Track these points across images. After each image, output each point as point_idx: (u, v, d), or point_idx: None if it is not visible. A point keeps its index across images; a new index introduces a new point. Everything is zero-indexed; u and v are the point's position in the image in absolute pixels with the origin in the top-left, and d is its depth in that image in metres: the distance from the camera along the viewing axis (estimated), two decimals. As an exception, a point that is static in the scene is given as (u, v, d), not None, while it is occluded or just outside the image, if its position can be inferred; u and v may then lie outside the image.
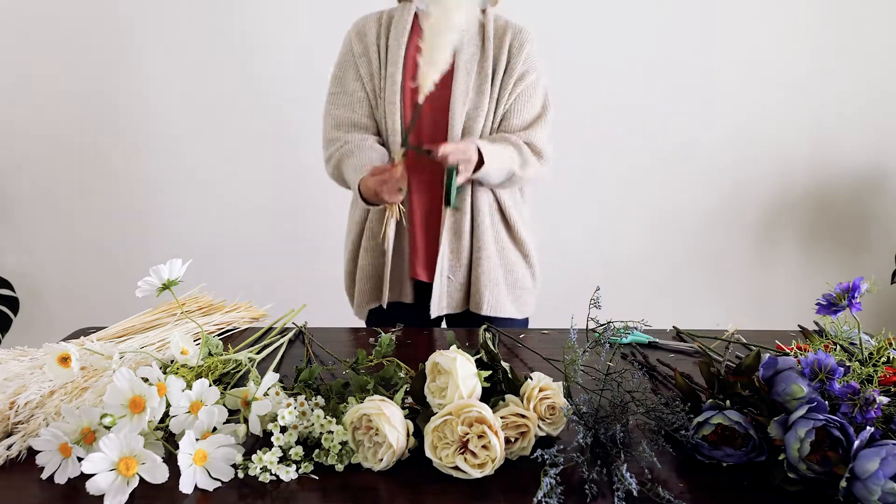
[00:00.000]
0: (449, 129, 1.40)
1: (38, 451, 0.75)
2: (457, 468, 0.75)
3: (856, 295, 0.84)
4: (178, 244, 2.48)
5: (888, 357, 0.82)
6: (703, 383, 0.89)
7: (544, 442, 0.82)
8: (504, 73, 1.44)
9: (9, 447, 0.81)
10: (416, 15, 1.46)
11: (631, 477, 0.69)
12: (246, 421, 0.81)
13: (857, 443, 0.69)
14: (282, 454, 0.77)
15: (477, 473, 0.74)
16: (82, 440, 0.74)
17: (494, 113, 1.44)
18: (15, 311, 2.40)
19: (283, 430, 0.79)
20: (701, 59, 2.42)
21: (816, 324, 1.19)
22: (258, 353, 1.06)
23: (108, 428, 0.74)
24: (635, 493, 0.69)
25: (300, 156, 2.42)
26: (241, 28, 2.34)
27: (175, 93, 2.38)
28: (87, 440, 0.75)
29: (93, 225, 2.49)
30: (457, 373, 0.79)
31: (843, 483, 0.68)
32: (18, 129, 2.40)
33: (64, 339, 1.10)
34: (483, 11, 1.45)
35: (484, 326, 1.27)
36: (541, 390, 0.83)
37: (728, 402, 0.79)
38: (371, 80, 1.46)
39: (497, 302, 1.48)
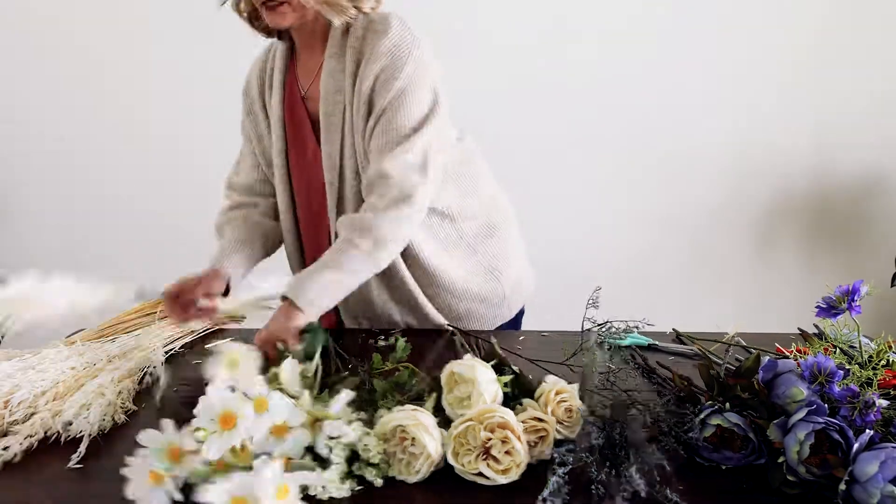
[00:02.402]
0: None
1: (33, 450, 0.75)
2: (480, 474, 0.74)
3: (855, 298, 0.84)
4: (179, 244, 2.48)
5: (888, 360, 0.82)
6: (703, 386, 0.89)
7: (558, 444, 0.82)
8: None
9: (5, 448, 0.81)
10: (292, 54, 1.25)
11: (640, 479, 0.69)
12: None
13: (856, 446, 0.69)
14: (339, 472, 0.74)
15: (502, 479, 0.74)
16: (170, 461, 0.71)
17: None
18: (14, 312, 2.40)
19: (339, 446, 0.76)
20: (701, 59, 2.42)
21: (816, 327, 1.19)
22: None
23: (199, 442, 0.71)
24: (643, 495, 0.69)
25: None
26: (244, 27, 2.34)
27: (176, 93, 2.39)
28: (175, 460, 0.71)
29: (93, 225, 2.49)
30: (478, 380, 0.79)
31: (843, 486, 0.68)
32: (19, 129, 2.40)
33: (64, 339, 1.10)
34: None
35: (492, 335, 1.26)
36: (557, 393, 0.83)
37: (728, 404, 0.79)
38: (260, 143, 1.29)
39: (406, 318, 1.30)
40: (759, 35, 2.41)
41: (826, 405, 0.74)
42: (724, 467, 0.77)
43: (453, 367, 0.82)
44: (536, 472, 0.76)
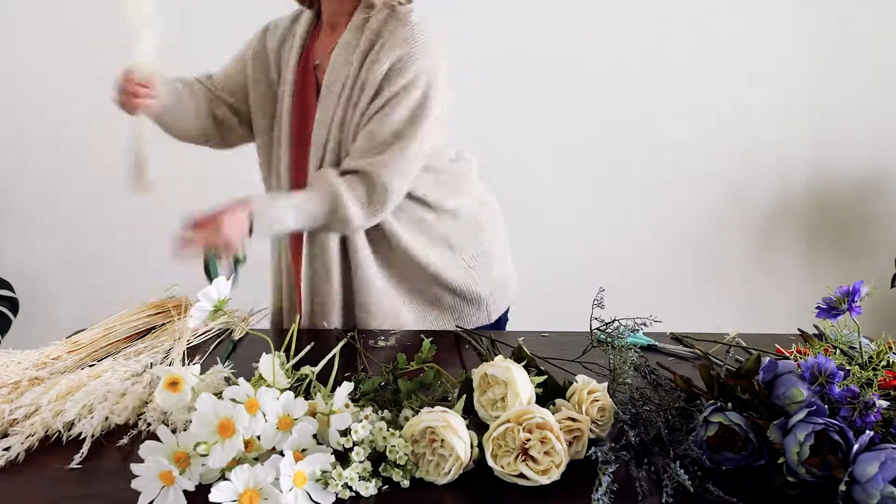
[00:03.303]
0: None
1: (34, 450, 0.75)
2: (521, 476, 0.74)
3: (856, 298, 0.84)
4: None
5: (888, 361, 0.82)
6: (703, 387, 0.89)
7: (591, 444, 0.82)
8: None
9: (6, 448, 0.81)
10: (317, 24, 1.30)
11: (684, 473, 0.71)
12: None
13: (856, 447, 0.69)
14: (361, 469, 0.74)
15: (544, 480, 0.73)
16: (177, 464, 0.71)
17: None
18: (15, 312, 2.40)
19: (355, 444, 0.76)
20: (701, 60, 2.42)
21: (816, 327, 1.19)
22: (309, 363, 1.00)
23: (203, 455, 0.71)
24: (691, 490, 0.71)
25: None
26: (246, 28, 2.34)
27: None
28: (182, 464, 0.71)
29: (93, 225, 2.49)
30: (515, 381, 0.78)
31: (843, 487, 0.68)
32: (19, 129, 2.40)
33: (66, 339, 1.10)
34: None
35: (492, 335, 1.26)
36: (589, 392, 0.83)
37: (729, 405, 0.79)
38: (256, 88, 1.35)
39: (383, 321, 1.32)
40: (758, 36, 2.41)
41: (826, 406, 0.74)
42: (723, 468, 0.78)
43: (486, 368, 0.81)
44: (568, 472, 0.77)
